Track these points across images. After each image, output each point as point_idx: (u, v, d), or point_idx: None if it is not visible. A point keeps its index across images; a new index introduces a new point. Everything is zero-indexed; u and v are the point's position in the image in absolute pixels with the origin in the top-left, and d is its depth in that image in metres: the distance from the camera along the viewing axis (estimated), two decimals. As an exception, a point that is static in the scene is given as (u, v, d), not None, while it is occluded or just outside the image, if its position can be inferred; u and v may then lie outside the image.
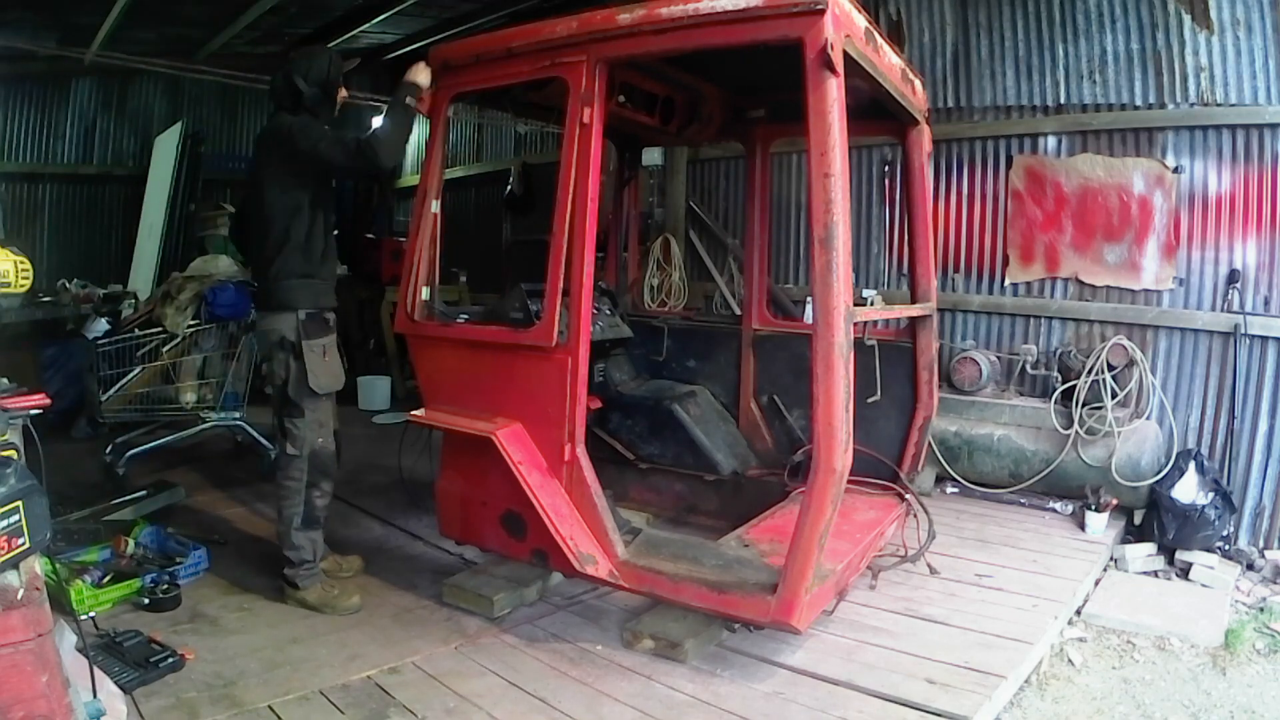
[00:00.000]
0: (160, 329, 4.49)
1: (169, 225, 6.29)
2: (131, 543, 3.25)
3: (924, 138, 3.52)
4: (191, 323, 4.50)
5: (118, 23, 5.62)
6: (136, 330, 4.58)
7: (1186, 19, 4.11)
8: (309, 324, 2.92)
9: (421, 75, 3.00)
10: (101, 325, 4.78)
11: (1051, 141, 4.64)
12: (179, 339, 4.50)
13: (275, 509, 3.03)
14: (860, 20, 2.58)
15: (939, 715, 2.35)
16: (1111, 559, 3.82)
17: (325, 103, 3.03)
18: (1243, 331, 3.99)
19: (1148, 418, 4.23)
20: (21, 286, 1.76)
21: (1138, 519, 4.04)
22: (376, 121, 3.38)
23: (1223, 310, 4.11)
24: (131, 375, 4.49)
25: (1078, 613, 3.32)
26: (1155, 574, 3.76)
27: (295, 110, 2.96)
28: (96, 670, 2.08)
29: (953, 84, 4.98)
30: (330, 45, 7.23)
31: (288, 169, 2.86)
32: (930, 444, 4.04)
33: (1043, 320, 4.70)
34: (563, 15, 2.77)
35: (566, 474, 2.80)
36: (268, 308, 2.94)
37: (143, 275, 6.63)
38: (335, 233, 3.11)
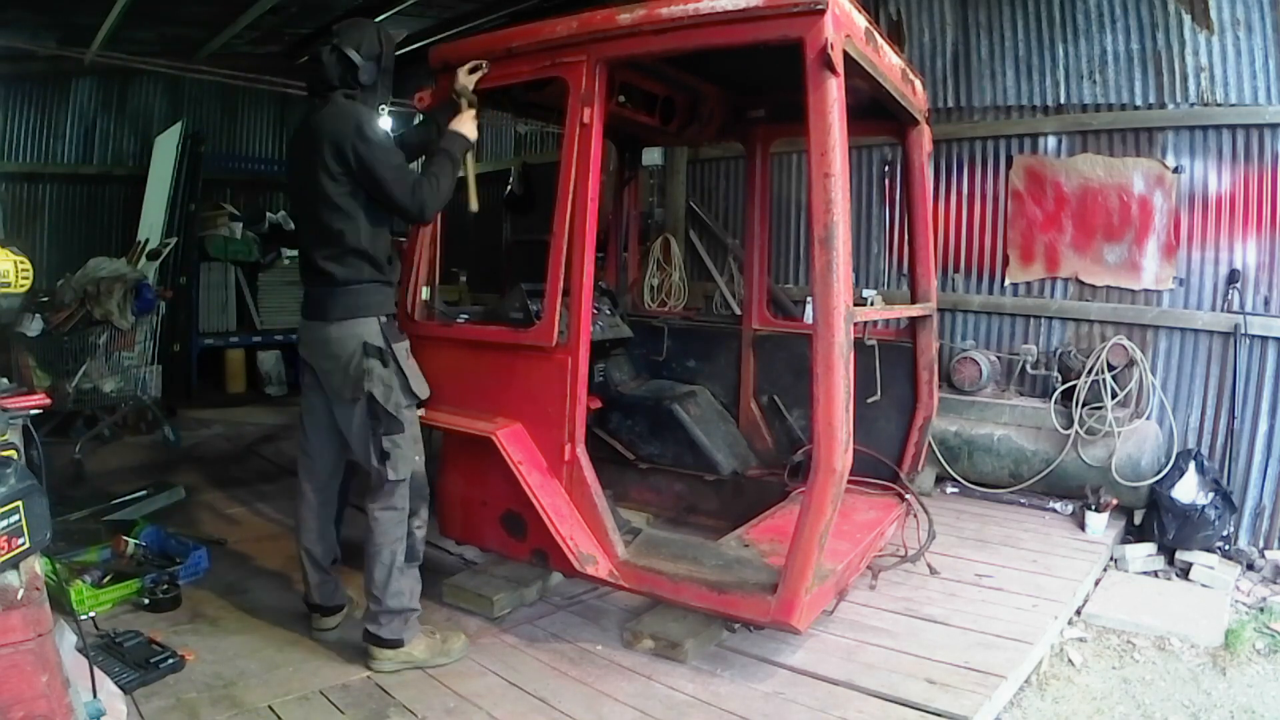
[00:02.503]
0: (102, 324, 4.99)
1: (169, 225, 6.28)
2: (131, 543, 3.25)
3: (924, 138, 3.52)
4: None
5: (118, 23, 5.62)
6: (77, 327, 5.03)
7: (1186, 19, 4.11)
8: (390, 328, 2.62)
9: (471, 128, 2.78)
10: (39, 323, 4.90)
11: (1051, 141, 4.64)
12: (123, 332, 5.05)
13: (369, 549, 2.58)
14: (860, 20, 2.58)
15: (939, 715, 2.35)
16: (1111, 559, 3.82)
17: (382, 80, 2.68)
18: (1243, 331, 3.99)
19: (1148, 418, 4.23)
20: (21, 286, 1.76)
21: (1138, 519, 4.04)
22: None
23: (1223, 310, 4.11)
24: (84, 368, 4.97)
25: (1078, 613, 3.32)
26: (1155, 574, 3.76)
27: (347, 87, 2.58)
28: (96, 670, 2.08)
29: (953, 84, 4.98)
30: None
31: (347, 166, 2.51)
32: (930, 444, 4.04)
33: (1043, 320, 4.70)
34: (563, 15, 2.78)
35: (566, 474, 2.80)
36: (340, 315, 2.55)
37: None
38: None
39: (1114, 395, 4.13)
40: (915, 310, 3.51)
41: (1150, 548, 3.83)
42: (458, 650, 2.66)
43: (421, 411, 3.07)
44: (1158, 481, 3.95)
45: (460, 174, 2.74)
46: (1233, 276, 4.07)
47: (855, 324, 2.39)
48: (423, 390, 2.65)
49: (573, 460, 2.78)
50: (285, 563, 3.47)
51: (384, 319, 2.61)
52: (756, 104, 4.01)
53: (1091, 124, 4.46)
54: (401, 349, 2.62)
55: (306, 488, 2.79)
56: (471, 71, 2.90)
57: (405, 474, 2.58)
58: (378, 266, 2.62)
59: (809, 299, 4.76)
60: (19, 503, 1.50)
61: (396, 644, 2.57)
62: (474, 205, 2.84)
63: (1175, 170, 4.22)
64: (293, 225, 2.81)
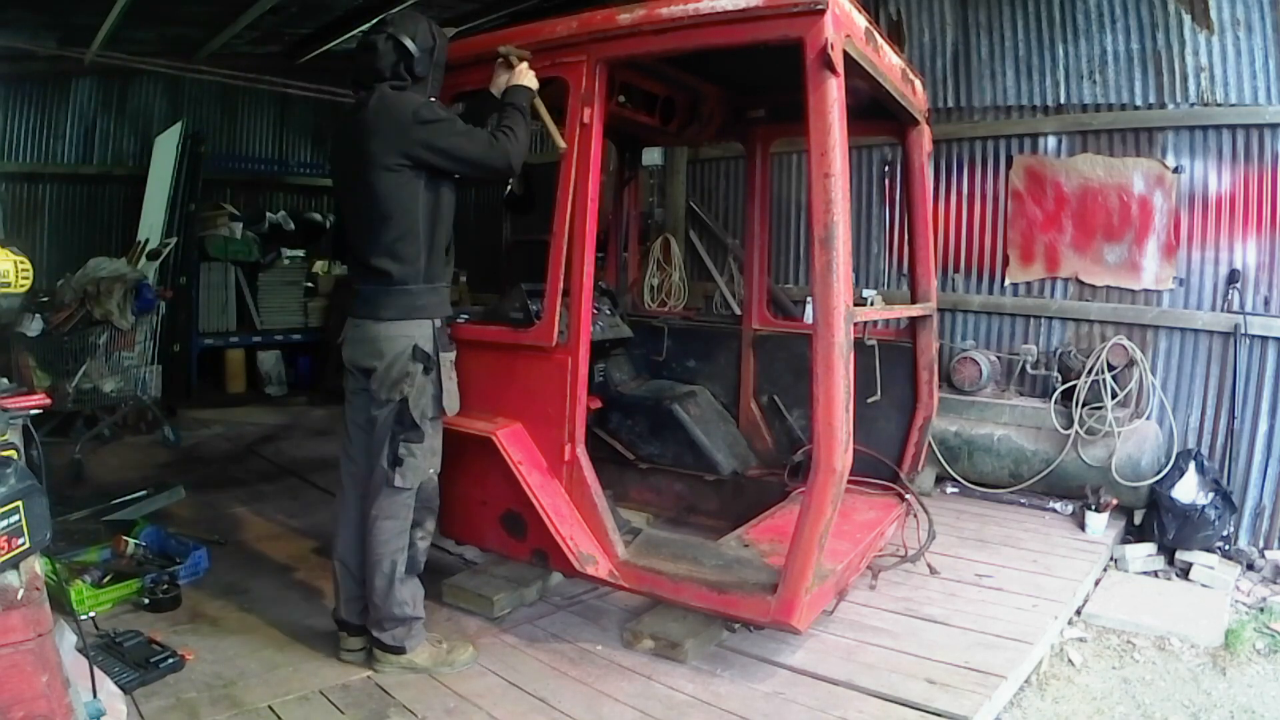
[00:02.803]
0: (102, 324, 5.00)
1: (169, 225, 6.28)
2: (131, 543, 3.25)
3: (924, 138, 3.52)
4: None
5: (118, 23, 5.62)
6: (77, 327, 5.04)
7: (1186, 19, 4.11)
8: (442, 334, 2.55)
9: (529, 78, 2.68)
10: (39, 323, 4.91)
11: (1051, 141, 4.64)
12: (123, 332, 5.06)
13: (370, 557, 2.52)
14: (860, 20, 2.58)
15: (939, 715, 2.35)
16: (1111, 559, 3.82)
17: (434, 74, 2.59)
18: (1243, 331, 3.99)
19: (1148, 418, 4.23)
20: (21, 286, 1.76)
21: (1138, 519, 4.04)
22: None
23: (1223, 310, 4.11)
24: (84, 368, 4.98)
25: (1078, 613, 3.32)
26: (1155, 574, 3.76)
27: (398, 79, 2.50)
28: (96, 670, 2.08)
29: (953, 84, 4.98)
30: (330, 46, 7.26)
31: (410, 157, 2.42)
32: (930, 444, 4.04)
33: (1043, 320, 4.70)
34: (563, 15, 2.77)
35: (566, 474, 2.80)
36: (393, 314, 2.48)
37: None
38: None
39: (1114, 395, 4.13)
40: (915, 310, 3.51)
41: (1150, 548, 3.83)
42: (462, 662, 2.61)
43: None
44: (1158, 481, 3.95)
45: (535, 123, 2.67)
46: (1233, 276, 4.07)
47: (855, 324, 2.39)
48: (453, 406, 2.60)
49: (573, 460, 2.78)
50: (285, 562, 3.47)
51: (438, 323, 2.54)
52: (756, 104, 4.01)
53: (1091, 124, 4.46)
54: (447, 359, 2.56)
55: (348, 496, 2.66)
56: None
57: (412, 484, 2.52)
58: (435, 266, 2.54)
59: (809, 299, 4.76)
60: (19, 503, 1.50)
61: (399, 651, 2.54)
62: (561, 142, 2.73)
63: (1175, 170, 4.22)
64: (339, 222, 2.65)
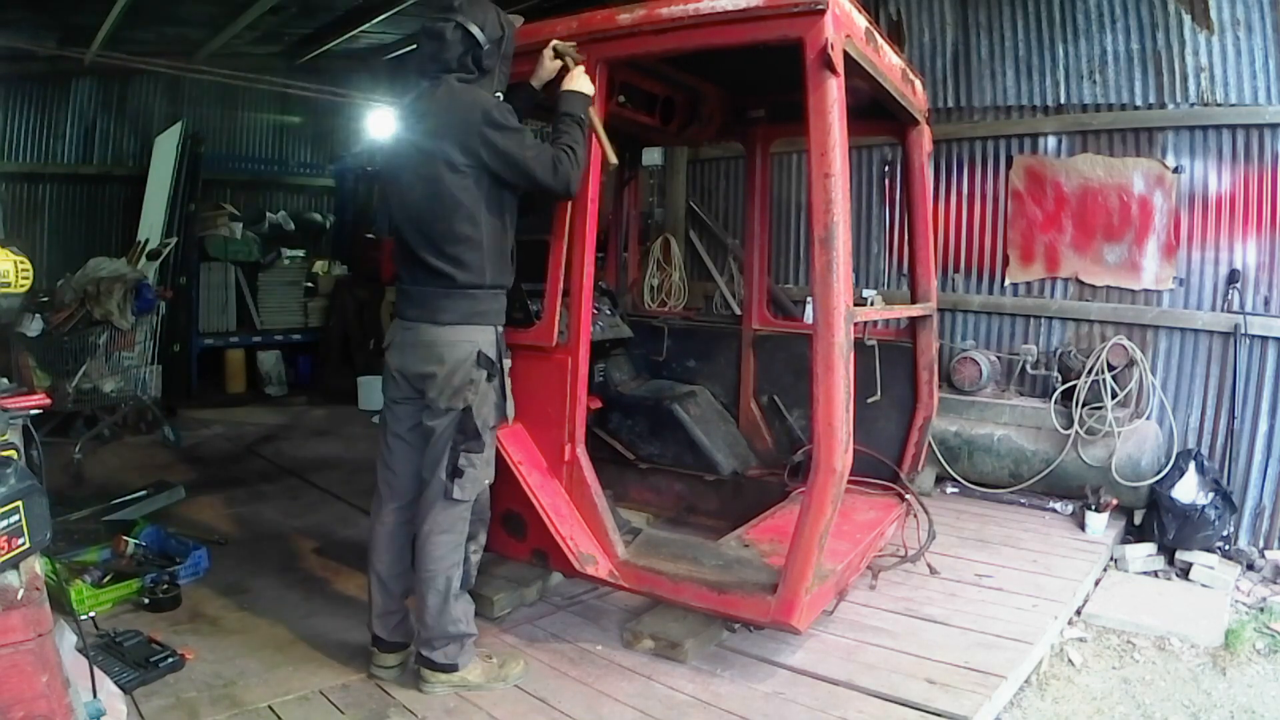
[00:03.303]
0: (102, 324, 5.00)
1: (169, 225, 6.28)
2: (131, 543, 3.25)
3: (924, 138, 3.52)
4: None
5: (118, 23, 5.62)
6: (77, 327, 5.05)
7: (1186, 19, 4.11)
8: (502, 341, 2.47)
9: (585, 83, 2.57)
10: (39, 323, 4.91)
11: (1051, 141, 4.64)
12: (123, 332, 5.07)
13: (422, 574, 2.41)
14: (860, 20, 2.58)
15: (939, 715, 2.35)
16: (1111, 559, 3.82)
17: (500, 67, 2.47)
18: (1243, 331, 3.99)
19: (1148, 418, 4.23)
20: (21, 286, 1.76)
21: (1138, 519, 4.04)
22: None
23: (1223, 310, 4.11)
24: (84, 368, 4.99)
25: (1078, 613, 3.31)
26: (1155, 574, 3.76)
27: (465, 70, 2.39)
28: (96, 670, 2.08)
29: (953, 84, 4.97)
30: (330, 46, 7.25)
31: (476, 159, 2.32)
32: (930, 444, 4.04)
33: (1043, 320, 4.70)
34: (563, 15, 2.77)
35: (566, 474, 2.80)
36: (454, 319, 2.36)
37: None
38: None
39: (1114, 395, 4.13)
40: (915, 310, 3.51)
41: (1150, 548, 3.83)
42: (515, 676, 2.52)
43: None
44: (1158, 481, 3.95)
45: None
46: (1233, 276, 4.07)
47: (855, 324, 2.39)
48: (511, 412, 2.52)
49: (573, 460, 2.78)
50: (285, 562, 3.47)
51: (500, 329, 2.46)
52: (756, 104, 4.01)
53: (1091, 124, 4.46)
54: (507, 365, 2.47)
55: (387, 506, 2.53)
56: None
57: (471, 496, 2.42)
58: (500, 269, 2.43)
59: (809, 299, 4.76)
60: (19, 503, 1.50)
61: (450, 669, 2.44)
62: (614, 158, 2.67)
63: (1175, 170, 4.22)
64: (393, 221, 2.44)
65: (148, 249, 6.13)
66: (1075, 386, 4.20)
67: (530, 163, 2.35)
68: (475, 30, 2.36)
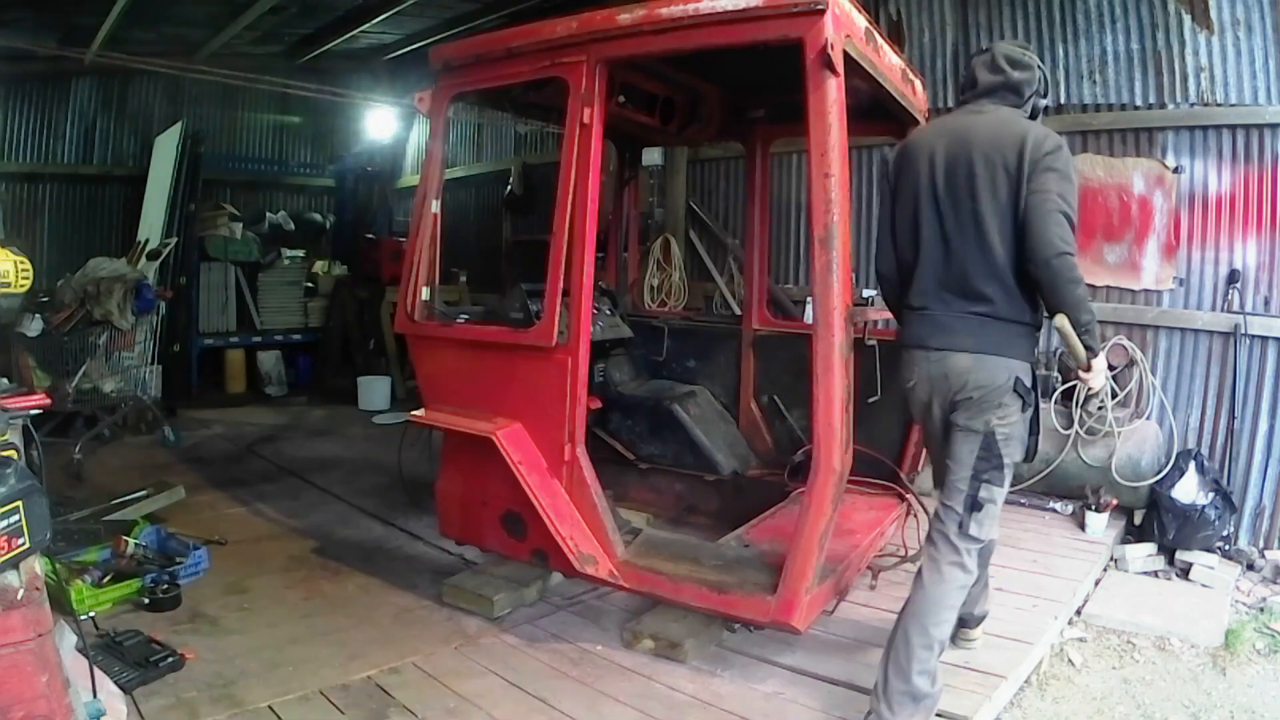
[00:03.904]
0: (102, 324, 5.02)
1: (169, 225, 6.29)
2: (131, 543, 3.24)
3: (924, 138, 3.51)
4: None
5: (118, 23, 5.62)
6: (77, 327, 5.08)
7: (1186, 19, 4.11)
8: (1034, 378, 2.33)
9: (1099, 379, 2.34)
10: (39, 323, 4.92)
11: (1051, 141, 4.63)
12: (123, 332, 5.10)
13: (916, 607, 2.22)
14: (860, 20, 2.58)
15: (939, 715, 2.34)
16: (1111, 559, 3.82)
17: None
18: (1243, 331, 3.99)
19: (1148, 418, 4.22)
20: (21, 286, 1.76)
21: (1138, 519, 4.03)
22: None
23: (1223, 310, 4.11)
24: (84, 368, 5.02)
25: (1078, 613, 3.31)
26: (1155, 574, 3.75)
27: (1025, 106, 2.35)
28: (96, 670, 2.08)
29: (953, 84, 4.97)
30: (330, 45, 7.26)
31: (1024, 187, 2.17)
32: (930, 444, 4.03)
33: (1043, 320, 4.68)
34: (563, 15, 2.77)
35: (566, 474, 2.80)
36: (989, 349, 2.24)
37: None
38: None
39: (1114, 395, 4.13)
40: (915, 310, 3.50)
41: (1150, 548, 3.83)
42: None
43: (421, 412, 3.08)
44: (1158, 481, 3.95)
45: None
46: (1233, 276, 4.06)
47: (855, 324, 2.38)
48: (1029, 454, 2.35)
49: (573, 460, 2.78)
50: (285, 563, 3.47)
51: (1031, 366, 2.33)
52: (756, 104, 4.01)
53: (1091, 124, 4.45)
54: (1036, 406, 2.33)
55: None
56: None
57: (985, 537, 2.26)
58: (1034, 307, 2.30)
59: (809, 299, 4.75)
60: (19, 503, 1.50)
61: None
62: (1083, 356, 2.29)
63: (1175, 170, 4.22)
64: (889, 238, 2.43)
65: (148, 249, 6.14)
66: (1075, 386, 4.20)
67: (1050, 217, 2.16)
68: (1040, 83, 2.39)
